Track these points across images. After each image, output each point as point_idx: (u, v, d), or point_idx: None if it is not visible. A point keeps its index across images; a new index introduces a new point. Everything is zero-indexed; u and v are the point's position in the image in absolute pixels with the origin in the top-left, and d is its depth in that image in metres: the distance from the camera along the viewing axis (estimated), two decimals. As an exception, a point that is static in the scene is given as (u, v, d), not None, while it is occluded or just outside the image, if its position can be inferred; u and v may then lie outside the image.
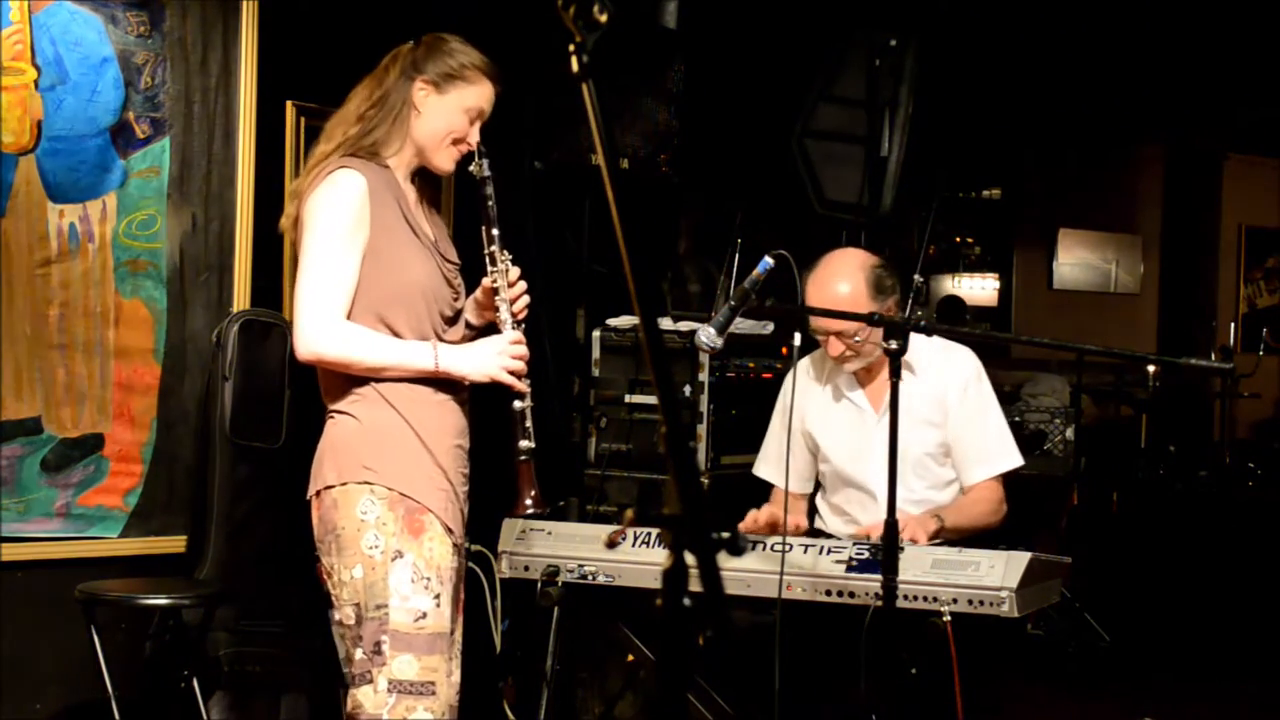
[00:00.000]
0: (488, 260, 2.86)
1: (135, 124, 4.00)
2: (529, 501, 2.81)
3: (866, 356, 3.44)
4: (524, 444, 2.81)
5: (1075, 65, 7.33)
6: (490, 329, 2.92)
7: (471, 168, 2.87)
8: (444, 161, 2.86)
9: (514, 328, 2.85)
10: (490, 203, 2.86)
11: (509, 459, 2.82)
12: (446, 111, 2.82)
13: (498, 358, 2.81)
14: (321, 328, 2.69)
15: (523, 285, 2.89)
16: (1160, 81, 7.83)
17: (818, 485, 3.69)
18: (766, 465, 3.70)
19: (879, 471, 3.45)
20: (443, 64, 2.81)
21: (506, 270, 2.86)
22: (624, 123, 4.50)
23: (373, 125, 2.80)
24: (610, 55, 1.56)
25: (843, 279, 3.39)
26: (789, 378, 3.70)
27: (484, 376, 2.81)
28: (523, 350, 2.84)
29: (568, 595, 3.24)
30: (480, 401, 2.92)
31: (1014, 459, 3.49)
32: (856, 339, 3.37)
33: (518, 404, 2.82)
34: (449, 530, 2.79)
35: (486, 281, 2.90)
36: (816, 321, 3.37)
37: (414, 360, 2.76)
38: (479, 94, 2.84)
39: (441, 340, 2.85)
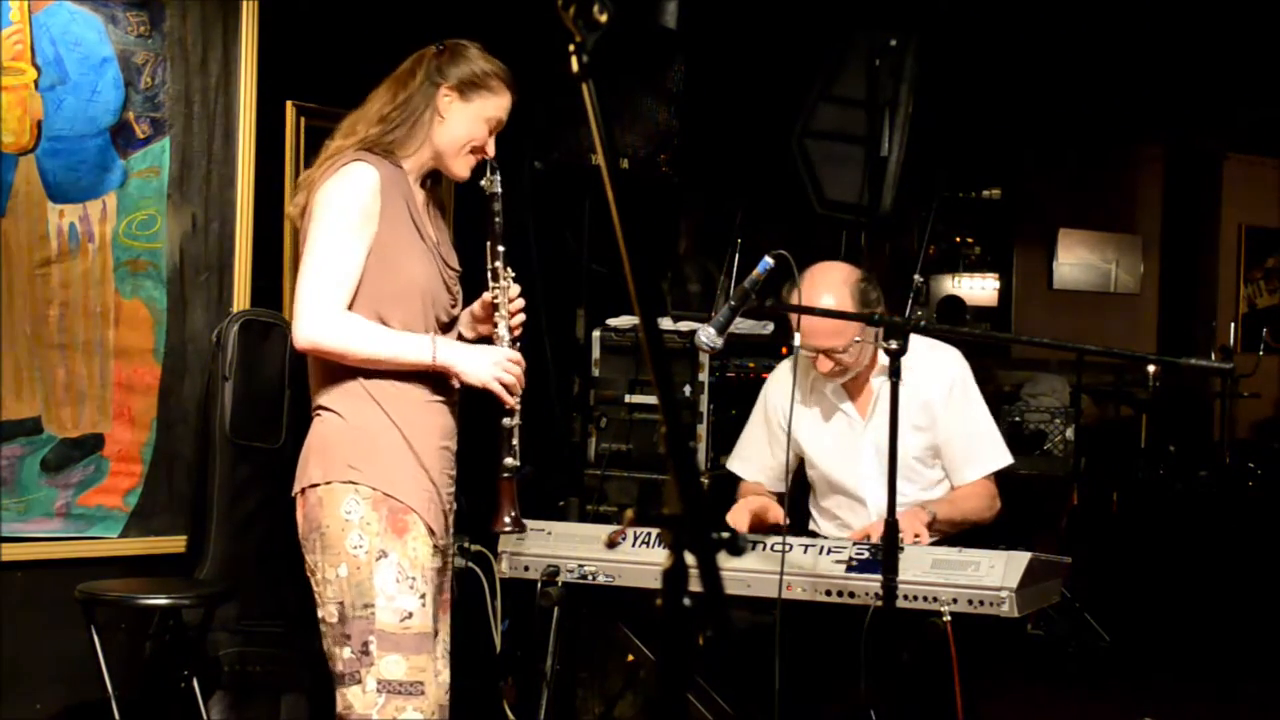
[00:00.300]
0: (489, 276, 2.86)
1: (135, 124, 4.00)
2: (507, 520, 2.83)
3: (854, 369, 3.45)
4: (508, 461, 2.82)
5: (1075, 65, 7.33)
6: (483, 343, 2.92)
7: (483, 182, 2.87)
8: (461, 169, 2.87)
9: (511, 345, 2.85)
10: (497, 219, 2.86)
11: (494, 474, 2.82)
12: (469, 119, 2.83)
13: (494, 367, 2.81)
14: (321, 317, 2.69)
15: (521, 303, 2.90)
16: (1160, 81, 7.83)
17: (809, 489, 3.69)
18: (743, 462, 3.70)
19: (868, 477, 3.47)
20: (468, 71, 2.82)
21: (508, 287, 2.86)
22: (624, 123, 4.50)
23: (394, 126, 2.80)
24: (610, 55, 1.56)
25: (828, 294, 3.39)
26: (771, 377, 3.70)
27: (477, 380, 2.80)
28: (519, 370, 2.83)
29: (568, 595, 3.24)
30: (484, 405, 2.92)
31: (1004, 457, 3.50)
32: (846, 353, 3.37)
33: (506, 421, 2.83)
34: (431, 531, 2.79)
35: (487, 296, 2.90)
36: (806, 339, 3.37)
37: (411, 353, 2.76)
38: (500, 104, 2.85)
39: None
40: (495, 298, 2.87)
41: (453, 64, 2.82)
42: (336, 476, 2.73)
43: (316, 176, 2.78)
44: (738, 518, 3.43)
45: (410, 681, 2.71)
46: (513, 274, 2.88)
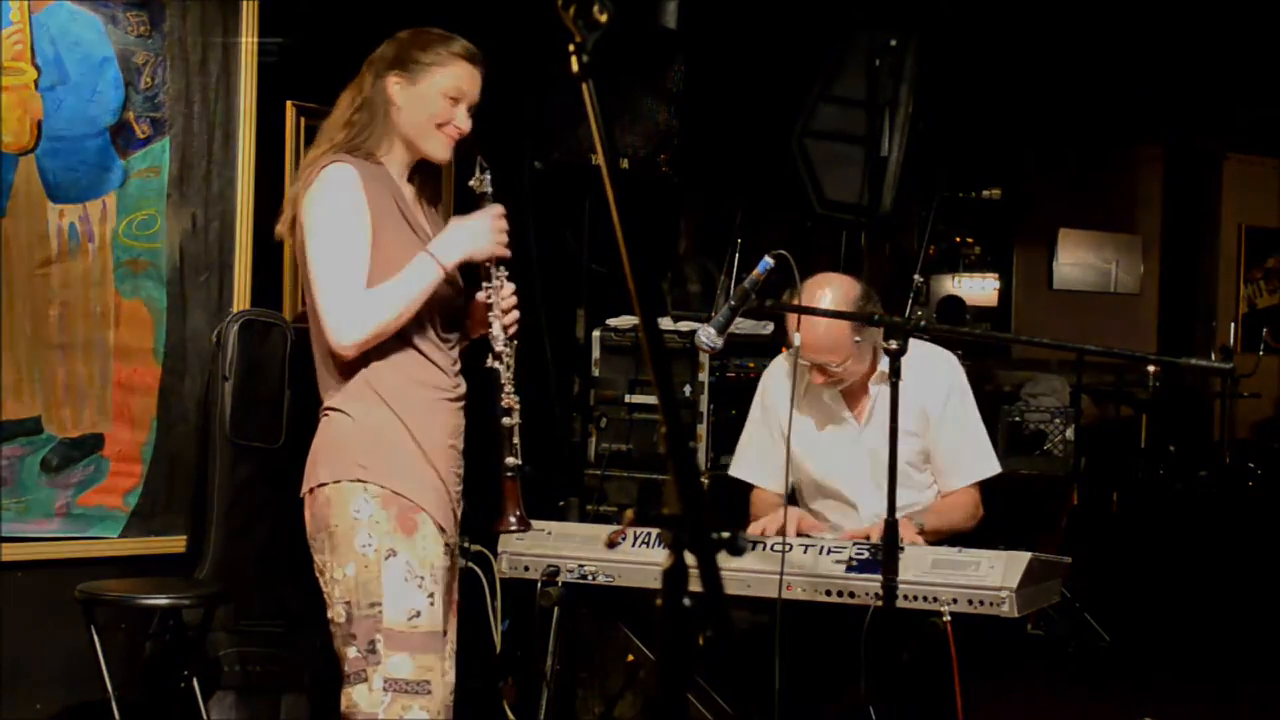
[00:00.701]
0: (482, 275, 2.85)
1: (135, 124, 4.00)
2: (513, 519, 2.82)
3: (850, 379, 3.45)
4: (510, 460, 2.81)
5: (1075, 65, 7.33)
6: (482, 341, 2.91)
7: (472, 182, 2.86)
8: (435, 149, 2.84)
9: (506, 344, 2.85)
10: None
11: (492, 474, 2.82)
12: (423, 98, 2.80)
13: (492, 234, 2.80)
14: (347, 317, 2.68)
15: (515, 300, 2.89)
16: (1160, 81, 7.83)
17: (796, 490, 3.67)
18: (756, 468, 3.66)
19: (860, 482, 3.46)
20: (411, 55, 2.81)
21: (501, 285, 2.86)
22: (624, 123, 4.50)
23: (360, 129, 2.80)
24: (610, 55, 1.56)
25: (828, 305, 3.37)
26: (767, 374, 3.69)
27: (486, 255, 2.81)
28: (506, 224, 2.84)
29: (568, 595, 3.24)
30: (483, 406, 2.92)
31: (992, 466, 3.50)
32: (842, 367, 3.37)
33: (507, 420, 2.82)
34: (441, 530, 2.79)
35: (481, 296, 2.88)
36: (804, 352, 3.36)
37: (424, 282, 2.74)
38: (452, 74, 2.81)
39: (441, 343, 2.84)
40: (488, 297, 2.86)
41: (398, 52, 2.82)
42: (345, 475, 2.73)
43: (298, 191, 2.78)
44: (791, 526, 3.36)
45: (417, 680, 2.70)
46: (505, 272, 2.87)
